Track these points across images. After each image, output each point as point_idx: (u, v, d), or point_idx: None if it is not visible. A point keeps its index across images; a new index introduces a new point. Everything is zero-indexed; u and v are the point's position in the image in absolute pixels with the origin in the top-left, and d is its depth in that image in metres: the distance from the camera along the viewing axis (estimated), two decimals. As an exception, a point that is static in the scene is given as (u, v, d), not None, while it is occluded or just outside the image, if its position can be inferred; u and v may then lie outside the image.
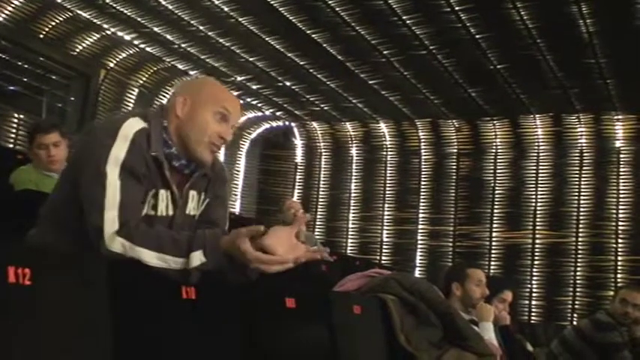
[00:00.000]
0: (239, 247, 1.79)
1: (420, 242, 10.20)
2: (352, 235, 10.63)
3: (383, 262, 9.97)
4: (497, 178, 10.01)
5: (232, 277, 1.93)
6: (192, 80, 2.21)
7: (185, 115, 2.05)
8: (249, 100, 10.17)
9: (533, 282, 9.42)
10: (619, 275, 8.99)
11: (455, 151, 10.34)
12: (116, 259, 1.74)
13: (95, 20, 7.90)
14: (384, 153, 10.74)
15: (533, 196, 9.74)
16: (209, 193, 2.17)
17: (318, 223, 10.77)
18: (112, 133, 1.91)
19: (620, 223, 9.19)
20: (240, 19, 7.54)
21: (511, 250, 9.67)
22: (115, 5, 7.45)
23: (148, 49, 8.60)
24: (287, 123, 11.21)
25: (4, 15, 7.28)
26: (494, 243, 9.78)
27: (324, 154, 11.16)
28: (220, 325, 1.89)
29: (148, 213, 1.98)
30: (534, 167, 9.84)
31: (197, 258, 1.79)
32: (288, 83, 9.36)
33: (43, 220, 2.04)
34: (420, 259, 10.13)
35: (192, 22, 7.69)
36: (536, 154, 9.86)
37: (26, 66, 7.98)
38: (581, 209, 9.45)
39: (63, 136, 3.78)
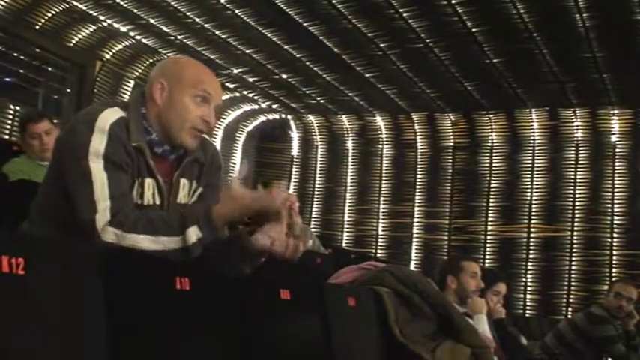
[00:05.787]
0: (237, 198, 1.81)
1: (415, 235, 10.20)
2: (348, 228, 10.63)
3: (378, 255, 9.98)
4: (493, 171, 10.01)
5: (227, 269, 1.93)
6: (168, 62, 2.08)
7: (164, 101, 1.97)
8: (245, 92, 10.15)
9: (528, 275, 9.42)
10: (614, 269, 9.00)
11: (451, 144, 10.34)
12: (110, 249, 1.74)
13: (91, 11, 7.86)
14: (380, 146, 10.73)
15: (529, 190, 9.74)
16: (202, 181, 2.12)
17: (313, 216, 10.78)
18: (88, 126, 1.86)
19: (615, 218, 9.19)
20: (236, 12, 7.51)
21: (506, 243, 9.68)
22: (111, -4, 7.43)
23: (144, 40, 8.57)
24: (283, 116, 11.19)
25: (-1, 6, 7.24)
26: (489, 236, 9.79)
27: (320, 147, 11.15)
28: (214, 316, 1.89)
29: (136, 202, 1.95)
30: (530, 161, 9.84)
31: (193, 233, 1.79)
32: (284, 76, 9.34)
33: (34, 213, 2.02)
34: (416, 253, 10.13)
35: (188, 14, 7.66)
36: (531, 148, 9.86)
37: (22, 57, 7.94)
38: (577, 203, 9.46)
39: (53, 124, 3.85)
